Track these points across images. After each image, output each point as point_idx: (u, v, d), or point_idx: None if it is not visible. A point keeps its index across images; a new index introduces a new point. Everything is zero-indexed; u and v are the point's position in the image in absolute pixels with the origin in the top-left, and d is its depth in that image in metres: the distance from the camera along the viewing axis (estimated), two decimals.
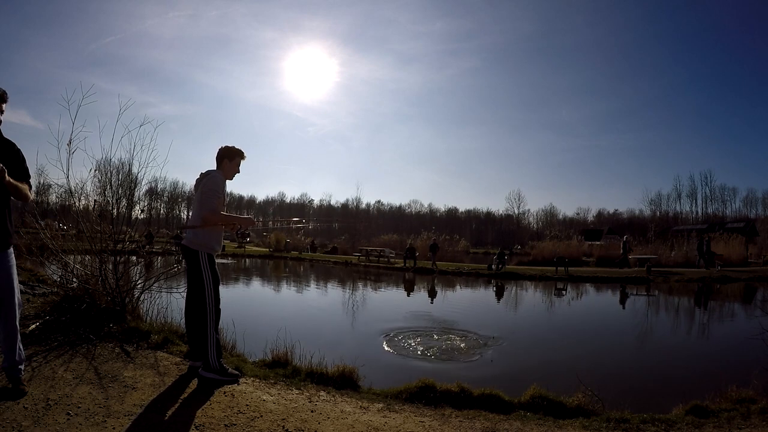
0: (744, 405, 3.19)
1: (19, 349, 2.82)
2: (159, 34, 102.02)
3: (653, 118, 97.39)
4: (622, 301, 12.26)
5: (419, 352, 5.87)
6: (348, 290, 13.66)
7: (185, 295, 3.49)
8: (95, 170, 5.00)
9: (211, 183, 3.37)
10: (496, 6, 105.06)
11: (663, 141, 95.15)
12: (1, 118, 2.59)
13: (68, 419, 2.49)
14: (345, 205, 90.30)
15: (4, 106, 2.58)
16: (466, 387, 3.43)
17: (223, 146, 3.56)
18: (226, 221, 3.45)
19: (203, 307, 3.26)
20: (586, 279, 16.35)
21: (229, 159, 3.54)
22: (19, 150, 2.69)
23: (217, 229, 3.43)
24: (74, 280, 4.80)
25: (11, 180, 2.51)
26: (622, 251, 20.02)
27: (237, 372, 3.39)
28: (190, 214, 3.52)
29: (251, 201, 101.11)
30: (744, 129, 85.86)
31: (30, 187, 2.73)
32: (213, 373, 3.24)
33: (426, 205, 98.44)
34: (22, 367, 2.86)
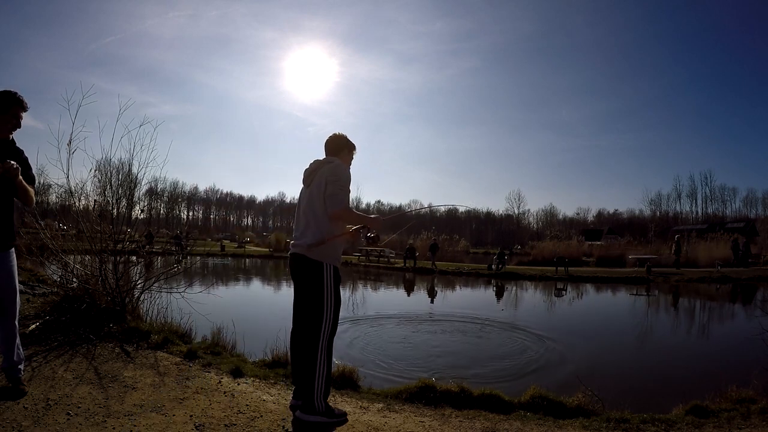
0: (744, 405, 3.19)
1: (18, 348, 2.82)
2: (159, 34, 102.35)
3: (653, 118, 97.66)
4: (622, 302, 12.26)
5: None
6: (348, 290, 13.66)
7: (293, 321, 2.80)
8: (95, 170, 5.01)
9: (339, 171, 2.65)
10: (496, 6, 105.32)
11: (663, 141, 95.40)
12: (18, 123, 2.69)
13: (68, 419, 2.49)
14: None
15: (22, 114, 2.67)
16: (466, 387, 3.43)
17: (340, 134, 2.93)
18: (360, 221, 2.78)
19: (316, 334, 2.58)
20: (586, 279, 16.36)
21: (349, 150, 2.93)
22: (27, 158, 2.78)
23: (343, 234, 2.76)
24: (74, 280, 4.81)
25: (22, 180, 2.59)
26: (674, 251, 19.68)
27: (344, 411, 2.75)
28: (301, 215, 2.78)
29: (251, 201, 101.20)
30: (744, 129, 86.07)
31: (34, 192, 2.79)
32: (317, 415, 2.56)
33: (426, 205, 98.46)
34: (21, 367, 2.86)
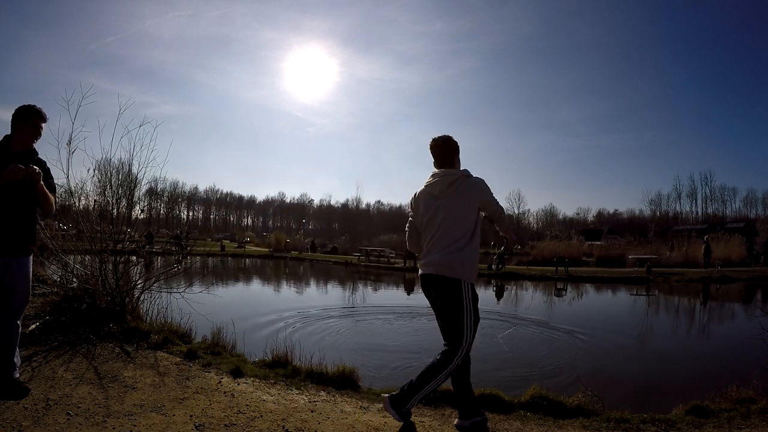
0: (744, 405, 3.18)
1: (17, 349, 2.86)
2: (159, 34, 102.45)
3: (653, 118, 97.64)
4: (622, 301, 12.26)
5: None
6: (348, 290, 13.67)
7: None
8: (95, 170, 5.02)
9: (489, 189, 2.68)
10: (496, 6, 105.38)
11: (663, 141, 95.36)
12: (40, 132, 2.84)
13: (68, 419, 2.49)
14: (345, 205, 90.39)
15: (43, 125, 2.84)
16: None
17: (448, 136, 2.79)
18: (509, 233, 2.93)
19: (454, 350, 2.55)
20: (586, 279, 16.36)
21: (458, 152, 2.81)
22: (48, 168, 2.97)
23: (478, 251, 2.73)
24: (74, 280, 4.82)
25: (43, 186, 2.75)
26: (704, 252, 19.41)
27: (482, 410, 2.80)
28: (439, 231, 2.62)
29: (251, 201, 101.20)
30: (744, 129, 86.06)
31: (54, 199, 2.95)
32: (474, 416, 2.65)
33: None
34: (17, 368, 2.88)
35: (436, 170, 2.76)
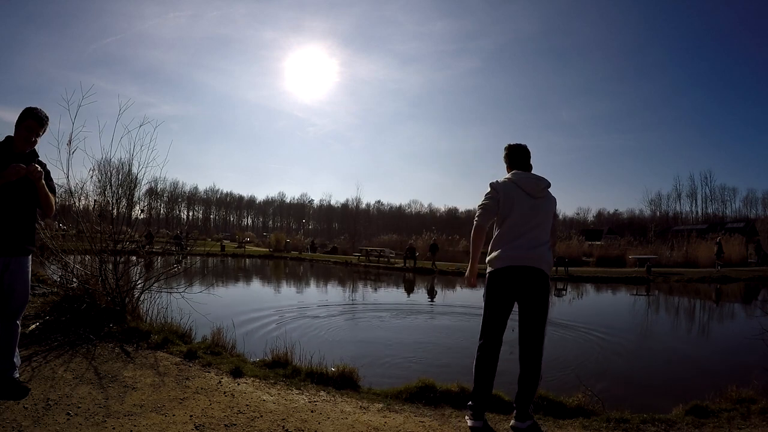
0: (744, 405, 3.18)
1: (17, 350, 2.86)
2: (160, 35, 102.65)
3: (653, 118, 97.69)
4: (622, 301, 12.26)
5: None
6: (348, 290, 13.66)
7: (495, 336, 2.75)
8: (95, 170, 5.02)
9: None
10: (496, 6, 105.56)
11: (663, 141, 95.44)
12: (37, 139, 2.84)
13: (68, 419, 2.49)
14: (345, 206, 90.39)
15: (41, 131, 2.84)
16: (466, 387, 3.42)
17: (523, 143, 2.94)
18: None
19: (541, 344, 2.69)
20: (586, 279, 16.37)
21: None
22: (49, 171, 3.00)
23: None
24: (74, 280, 4.81)
25: (45, 185, 2.77)
26: (716, 252, 19.24)
27: None
28: (534, 228, 2.73)
29: (251, 201, 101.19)
30: (744, 129, 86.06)
31: (54, 201, 2.96)
32: (531, 420, 2.67)
33: (426, 205, 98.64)
34: (17, 368, 2.88)
35: (517, 171, 2.84)
